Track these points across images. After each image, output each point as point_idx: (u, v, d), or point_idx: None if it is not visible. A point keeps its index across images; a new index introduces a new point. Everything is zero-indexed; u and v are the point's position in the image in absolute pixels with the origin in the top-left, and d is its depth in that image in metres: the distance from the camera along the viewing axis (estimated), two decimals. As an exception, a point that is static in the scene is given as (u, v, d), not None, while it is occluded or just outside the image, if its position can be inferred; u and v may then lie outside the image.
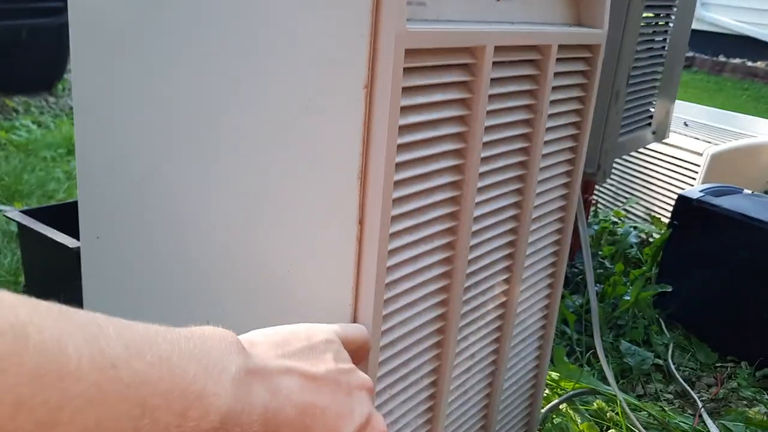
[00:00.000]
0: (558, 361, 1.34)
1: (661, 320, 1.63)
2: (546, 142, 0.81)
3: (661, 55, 1.53)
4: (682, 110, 2.26)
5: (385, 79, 0.55)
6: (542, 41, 0.74)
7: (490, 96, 0.68)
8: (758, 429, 1.23)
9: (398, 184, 0.59)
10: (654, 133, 1.65)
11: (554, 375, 1.31)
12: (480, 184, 0.71)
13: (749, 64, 6.02)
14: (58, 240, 1.23)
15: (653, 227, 2.02)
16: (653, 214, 2.07)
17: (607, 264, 1.86)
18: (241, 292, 0.69)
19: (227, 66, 0.64)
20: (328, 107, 0.57)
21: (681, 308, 1.63)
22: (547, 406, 1.21)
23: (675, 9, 1.53)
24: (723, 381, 1.44)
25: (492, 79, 0.67)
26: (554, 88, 0.79)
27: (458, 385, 0.82)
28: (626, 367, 1.44)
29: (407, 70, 0.56)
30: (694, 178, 1.95)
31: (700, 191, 1.62)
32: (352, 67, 0.55)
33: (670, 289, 1.59)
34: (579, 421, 1.21)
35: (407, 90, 0.57)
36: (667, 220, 1.77)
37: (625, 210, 2.17)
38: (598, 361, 1.38)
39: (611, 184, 2.23)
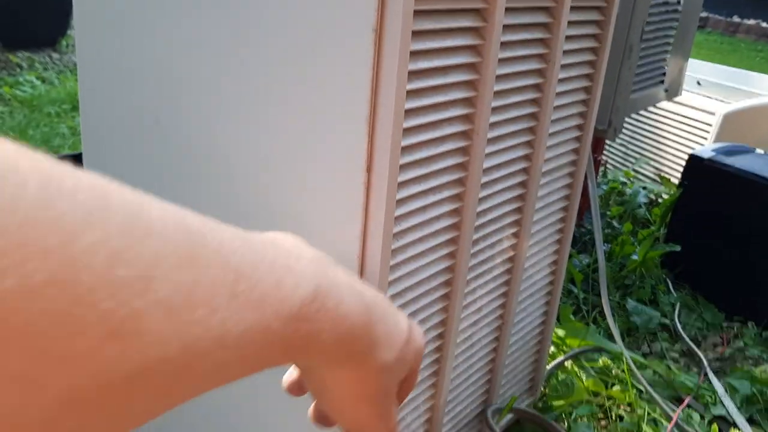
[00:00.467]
0: (564, 319, 1.34)
1: (668, 280, 1.62)
2: (558, 94, 0.79)
3: (675, 11, 1.50)
4: (696, 69, 2.22)
5: (394, 22, 0.53)
6: (556, -12, 0.72)
7: (502, 43, 0.66)
8: (763, 387, 1.23)
9: (407, 131, 0.58)
10: (666, 90, 1.62)
11: (560, 332, 1.31)
12: (490, 135, 0.70)
13: (764, 25, 5.91)
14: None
15: (663, 188, 2.00)
16: (663, 174, 2.05)
17: (615, 224, 1.85)
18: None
19: (235, 9, 0.62)
20: (336, 51, 0.56)
21: (689, 268, 1.62)
22: (553, 363, 1.21)
23: (692, -38, 1.49)
24: (729, 340, 1.44)
25: (504, 26, 0.65)
26: (567, 38, 0.77)
27: (465, 339, 0.82)
28: (632, 326, 1.44)
29: (418, 14, 0.55)
30: (705, 138, 1.92)
31: (712, 150, 1.60)
32: (360, 9, 0.53)
33: (678, 249, 1.58)
34: (584, 377, 1.21)
35: (417, 34, 0.56)
36: (677, 181, 1.75)
37: (635, 170, 2.14)
38: (605, 320, 1.38)
39: (621, 144, 2.20)
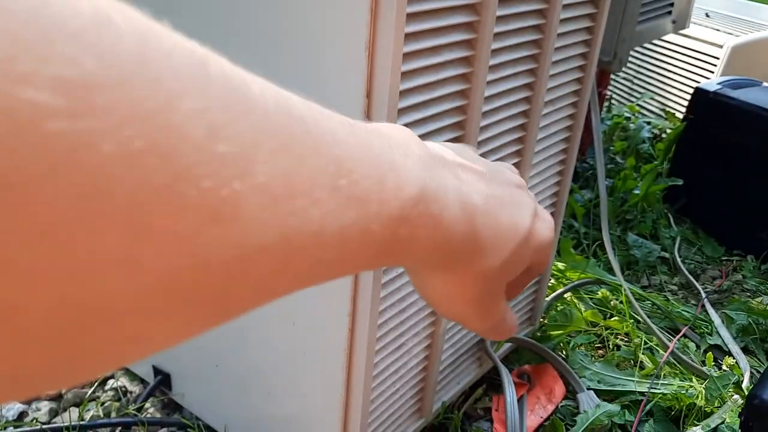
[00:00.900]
0: (564, 252, 1.36)
1: (669, 215, 1.62)
2: (562, 21, 0.78)
3: (686, -63, 1.45)
4: (704, 0, 2.17)
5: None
6: None
7: (505, -34, 0.64)
8: (760, 318, 1.25)
9: (407, 56, 0.57)
10: (674, 22, 1.59)
11: (560, 265, 1.33)
12: (491, 62, 0.69)
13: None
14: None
15: (667, 123, 1.99)
16: (668, 109, 2.03)
17: (618, 160, 1.84)
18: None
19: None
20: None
21: (691, 203, 1.62)
22: (552, 295, 1.23)
23: None
24: (728, 273, 1.46)
25: (507, -52, 0.64)
26: (572, -38, 0.75)
27: (465, 268, 0.83)
28: (632, 260, 1.45)
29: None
30: (712, 72, 1.90)
31: (718, 84, 1.58)
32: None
33: (681, 183, 1.58)
34: (583, 309, 1.23)
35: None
36: (682, 116, 1.74)
37: (639, 105, 2.12)
38: (605, 253, 1.39)
39: (626, 79, 2.17)
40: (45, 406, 0.97)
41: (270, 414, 0.84)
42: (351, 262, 0.23)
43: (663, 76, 2.05)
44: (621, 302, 1.25)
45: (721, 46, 1.88)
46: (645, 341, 1.18)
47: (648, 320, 1.20)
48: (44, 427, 0.93)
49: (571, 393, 1.06)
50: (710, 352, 1.15)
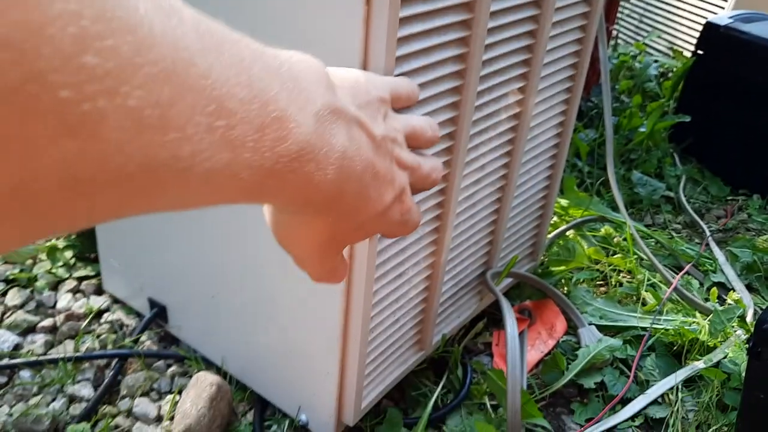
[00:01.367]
0: (568, 190, 1.33)
1: (675, 154, 1.59)
2: (572, -66, 0.73)
3: None
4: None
5: None
6: None
7: None
8: (764, 255, 1.23)
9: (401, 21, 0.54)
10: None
11: (563, 202, 1.30)
12: (498, -26, 0.65)
13: None
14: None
15: (675, 61, 1.94)
16: (676, 47, 1.97)
17: (624, 98, 1.80)
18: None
19: None
20: None
21: (697, 142, 1.59)
22: (555, 232, 1.21)
23: None
24: (733, 212, 1.44)
25: None
26: None
27: (467, 197, 0.80)
28: (636, 198, 1.43)
29: None
30: (722, 8, 1.84)
31: (729, 18, 1.52)
32: None
33: (688, 119, 1.55)
34: (586, 246, 1.21)
35: None
36: (690, 53, 1.69)
37: (647, 44, 2.07)
38: (609, 192, 1.36)
39: (633, 17, 2.11)
40: (40, 338, 0.96)
41: (268, 344, 0.82)
42: (211, 198, 0.23)
43: (671, 13, 1.99)
44: (624, 239, 1.23)
45: (733, -20, 1.81)
46: (648, 278, 1.16)
47: (652, 257, 1.18)
48: (40, 358, 0.92)
49: (572, 328, 1.05)
50: (714, 288, 1.13)
